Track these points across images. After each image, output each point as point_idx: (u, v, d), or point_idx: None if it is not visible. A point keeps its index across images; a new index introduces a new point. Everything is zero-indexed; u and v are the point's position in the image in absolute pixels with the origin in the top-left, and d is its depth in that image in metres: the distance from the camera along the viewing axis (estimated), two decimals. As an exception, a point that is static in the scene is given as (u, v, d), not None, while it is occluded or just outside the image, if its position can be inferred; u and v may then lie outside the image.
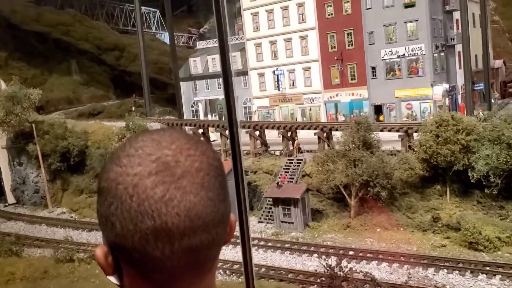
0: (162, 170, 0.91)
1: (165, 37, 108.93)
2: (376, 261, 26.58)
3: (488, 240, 25.23)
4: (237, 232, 1.23)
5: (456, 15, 53.01)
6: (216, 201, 0.94)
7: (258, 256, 28.95)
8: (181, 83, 66.00)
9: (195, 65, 65.32)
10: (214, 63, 63.59)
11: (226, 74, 1.44)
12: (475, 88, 54.82)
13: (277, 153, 42.42)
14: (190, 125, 49.91)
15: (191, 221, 0.89)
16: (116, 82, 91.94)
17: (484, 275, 23.77)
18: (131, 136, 1.00)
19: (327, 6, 53.67)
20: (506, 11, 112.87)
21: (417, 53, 49.15)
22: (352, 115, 51.12)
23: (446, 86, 49.78)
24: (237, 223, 1.33)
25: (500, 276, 23.52)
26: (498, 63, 72.77)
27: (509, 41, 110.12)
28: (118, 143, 39.47)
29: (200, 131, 46.49)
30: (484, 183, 27.60)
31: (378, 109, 52.15)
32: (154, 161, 0.91)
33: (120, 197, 0.90)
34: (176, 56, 67.91)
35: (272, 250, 30.21)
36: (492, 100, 57.26)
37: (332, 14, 53.62)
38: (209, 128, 47.05)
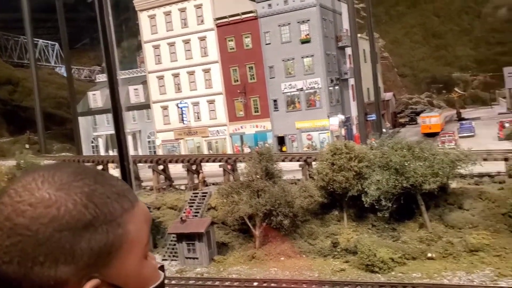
0: None
1: (64, 70, 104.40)
2: (280, 291, 26.68)
3: (382, 261, 26.49)
4: None
5: (349, 51, 56.93)
6: None
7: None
8: (79, 118, 63.16)
9: (95, 98, 63.00)
10: (116, 97, 61.78)
11: (115, 109, 1.25)
12: (368, 118, 58.71)
13: (183, 187, 41.69)
14: (88, 162, 47.57)
15: None
16: (9, 118, 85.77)
17: (380, 296, 24.84)
18: None
19: (229, 41, 54.98)
20: (394, 48, 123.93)
21: (314, 87, 51.73)
22: (256, 147, 52.04)
23: (341, 117, 52.75)
24: None
25: (394, 295, 24.72)
26: (388, 95, 79.00)
27: (398, 75, 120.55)
28: (7, 183, 36.44)
29: (100, 167, 44.44)
30: (377, 207, 29.15)
31: (281, 140, 53.71)
32: None
33: None
34: (74, 89, 65.15)
35: None
36: (384, 130, 61.61)
37: (233, 48, 54.97)
38: (109, 164, 45.15)
